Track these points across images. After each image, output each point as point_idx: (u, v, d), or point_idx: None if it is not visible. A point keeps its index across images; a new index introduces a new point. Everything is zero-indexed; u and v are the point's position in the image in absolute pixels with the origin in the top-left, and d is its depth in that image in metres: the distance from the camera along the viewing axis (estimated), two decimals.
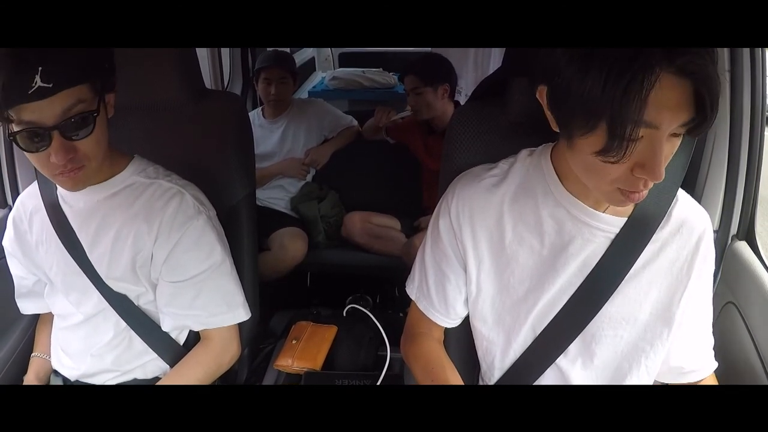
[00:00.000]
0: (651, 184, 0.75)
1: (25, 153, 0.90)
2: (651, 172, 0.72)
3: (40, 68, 0.82)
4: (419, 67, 2.21)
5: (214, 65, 2.61)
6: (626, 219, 0.88)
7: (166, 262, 1.05)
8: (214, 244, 1.08)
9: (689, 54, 0.66)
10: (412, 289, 1.03)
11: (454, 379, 0.94)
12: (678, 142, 0.74)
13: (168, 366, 1.14)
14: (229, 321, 1.11)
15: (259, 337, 1.45)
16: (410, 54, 3.80)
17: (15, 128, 0.86)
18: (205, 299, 1.08)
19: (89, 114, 0.90)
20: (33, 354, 1.22)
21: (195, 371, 1.09)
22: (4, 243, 1.17)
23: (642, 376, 0.92)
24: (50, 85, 0.83)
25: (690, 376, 0.96)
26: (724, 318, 1.15)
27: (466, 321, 1.01)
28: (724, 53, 1.11)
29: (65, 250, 1.06)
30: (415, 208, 2.21)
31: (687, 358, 0.94)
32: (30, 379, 1.18)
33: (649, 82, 0.66)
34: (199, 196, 1.09)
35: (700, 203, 1.00)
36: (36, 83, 0.82)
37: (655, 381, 0.96)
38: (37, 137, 0.87)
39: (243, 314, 1.12)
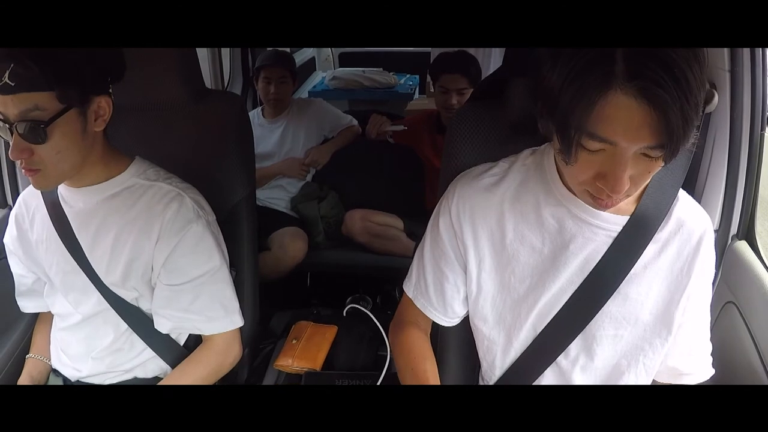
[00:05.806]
0: (619, 196, 0.75)
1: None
2: (610, 186, 0.73)
3: (11, 65, 0.86)
4: (469, 68, 2.18)
5: (214, 65, 2.61)
6: (628, 218, 0.88)
7: (164, 264, 1.05)
8: (213, 249, 1.08)
9: (649, 79, 0.64)
10: (409, 287, 1.03)
11: (432, 368, 0.97)
12: (654, 164, 0.72)
13: (168, 366, 1.14)
14: (225, 327, 1.12)
15: (259, 337, 1.45)
16: (410, 54, 3.81)
17: None
18: (202, 303, 1.08)
19: (37, 124, 0.90)
20: (28, 355, 1.22)
21: (197, 370, 1.10)
22: (6, 240, 1.17)
23: (640, 375, 0.92)
24: (13, 84, 0.86)
25: (685, 379, 0.96)
26: (724, 318, 1.15)
27: (467, 320, 1.01)
28: (724, 53, 1.11)
29: (65, 249, 1.07)
30: (416, 208, 2.21)
31: (684, 359, 0.94)
32: (24, 380, 1.18)
33: (598, 94, 0.67)
34: (199, 200, 1.09)
35: (700, 203, 1.00)
36: (4, 78, 0.86)
37: (653, 380, 0.96)
38: (3, 129, 0.90)
39: (239, 320, 1.14)
